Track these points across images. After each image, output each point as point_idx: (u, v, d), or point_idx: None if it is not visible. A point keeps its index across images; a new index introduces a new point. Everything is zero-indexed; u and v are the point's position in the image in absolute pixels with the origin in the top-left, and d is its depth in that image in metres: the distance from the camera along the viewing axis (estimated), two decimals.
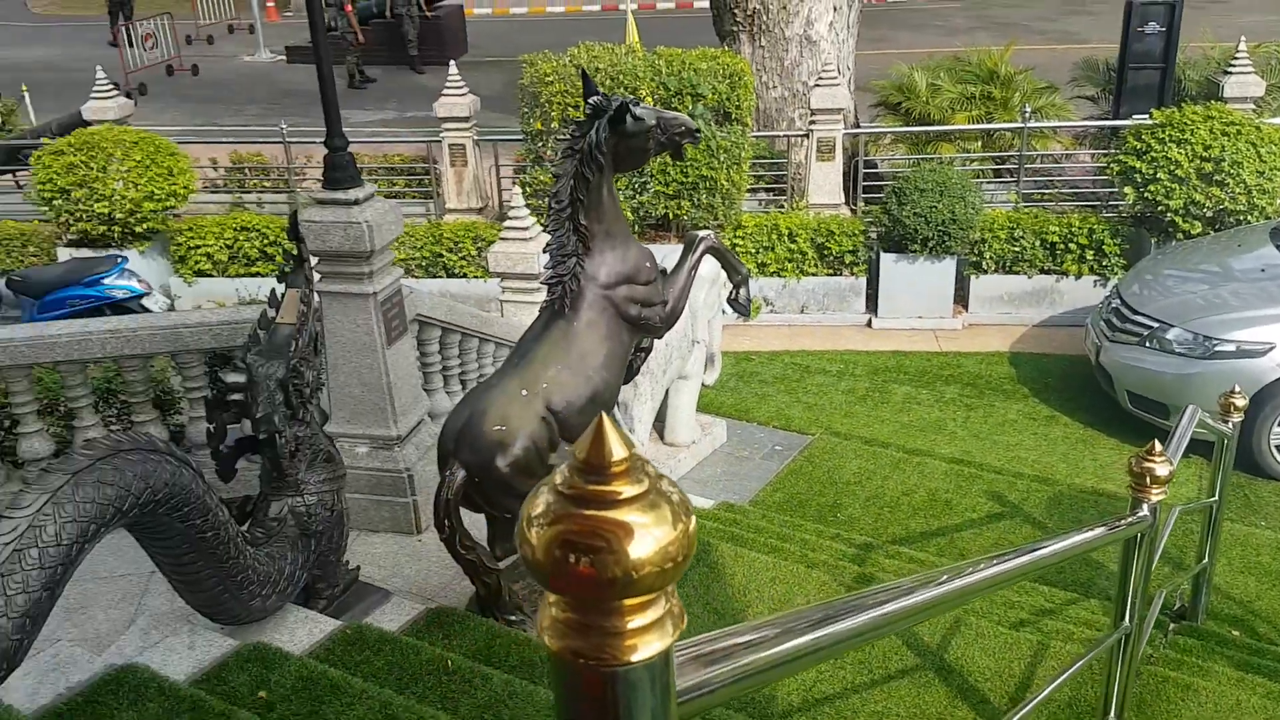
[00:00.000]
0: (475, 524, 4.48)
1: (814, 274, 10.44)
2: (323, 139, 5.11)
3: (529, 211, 7.50)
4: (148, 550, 3.65)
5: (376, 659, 3.93)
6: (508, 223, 7.42)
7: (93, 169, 9.98)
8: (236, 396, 4.02)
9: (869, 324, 10.41)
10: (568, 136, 4.40)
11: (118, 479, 3.21)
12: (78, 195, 9.98)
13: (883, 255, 10.18)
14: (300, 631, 4.17)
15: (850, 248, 10.31)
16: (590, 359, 4.42)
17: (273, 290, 4.30)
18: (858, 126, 12.31)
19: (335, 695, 3.55)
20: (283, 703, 3.54)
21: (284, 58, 21.65)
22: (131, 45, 19.70)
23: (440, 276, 10.58)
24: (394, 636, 4.13)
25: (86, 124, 10.90)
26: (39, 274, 9.19)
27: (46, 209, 10.23)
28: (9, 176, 12.75)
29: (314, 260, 4.95)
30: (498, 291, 7.72)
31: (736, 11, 11.95)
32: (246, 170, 12.10)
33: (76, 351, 5.38)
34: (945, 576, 2.01)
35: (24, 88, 15.57)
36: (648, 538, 0.91)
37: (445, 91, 11.17)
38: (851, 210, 11.11)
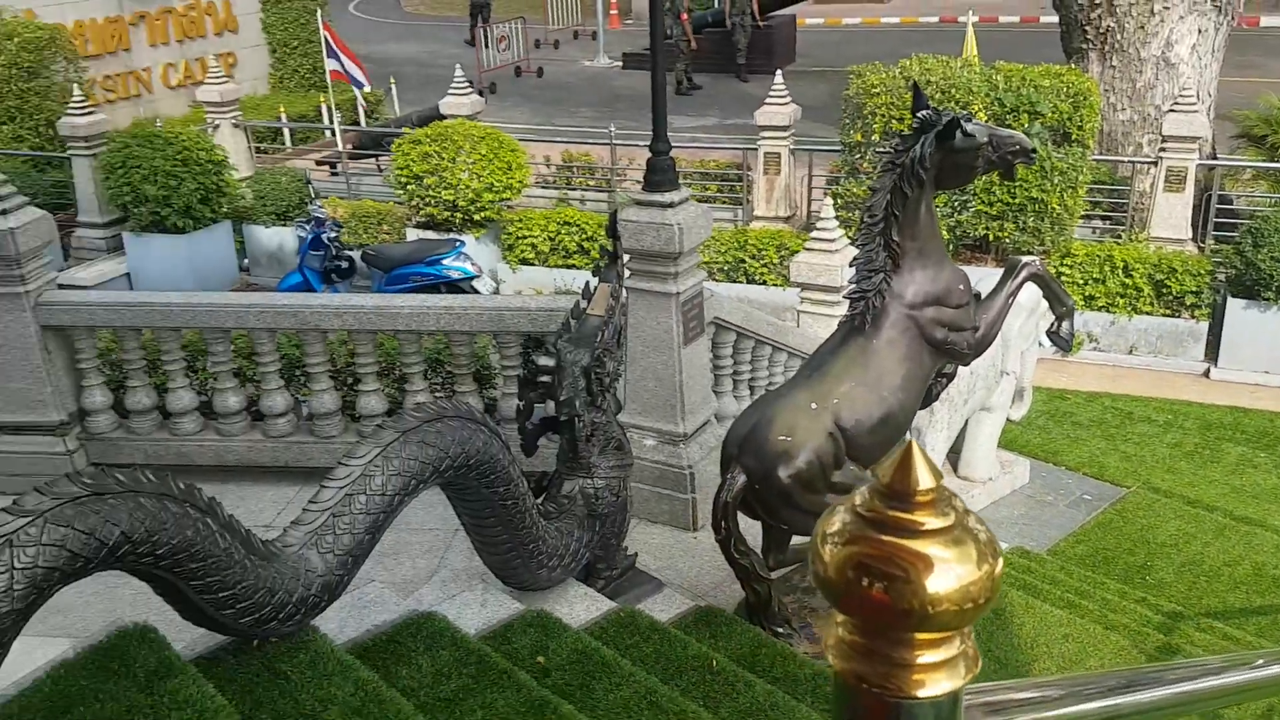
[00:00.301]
0: (751, 530, 4.49)
1: (1148, 313, 9.61)
2: (646, 143, 5.31)
3: (838, 223, 7.42)
4: (455, 509, 3.97)
5: (645, 645, 4.03)
6: (815, 233, 7.38)
7: (444, 159, 10.94)
8: (545, 378, 4.27)
9: (1206, 373, 9.45)
10: (889, 149, 4.30)
11: (439, 441, 3.52)
12: (429, 182, 10.98)
13: (1230, 300, 9.22)
14: (579, 606, 4.37)
15: (1193, 288, 9.41)
16: (887, 379, 4.30)
17: (587, 283, 4.53)
18: (1214, 157, 11.20)
19: (605, 673, 3.68)
20: (557, 671, 3.72)
21: (620, 64, 22.72)
22: (487, 46, 21.40)
23: (740, 282, 10.70)
24: (663, 627, 4.23)
25: (443, 118, 11.94)
26: (389, 250, 10.24)
27: (401, 192, 11.32)
28: (373, 160, 14.25)
29: (626, 258, 5.17)
30: (796, 301, 7.70)
31: (1088, 29, 11.22)
32: (574, 169, 12.82)
33: (415, 323, 5.95)
34: (1263, 660, 1.82)
35: (392, 80, 17.23)
36: (949, 573, 0.87)
37: (767, 100, 11.28)
38: (1198, 248, 10.13)
